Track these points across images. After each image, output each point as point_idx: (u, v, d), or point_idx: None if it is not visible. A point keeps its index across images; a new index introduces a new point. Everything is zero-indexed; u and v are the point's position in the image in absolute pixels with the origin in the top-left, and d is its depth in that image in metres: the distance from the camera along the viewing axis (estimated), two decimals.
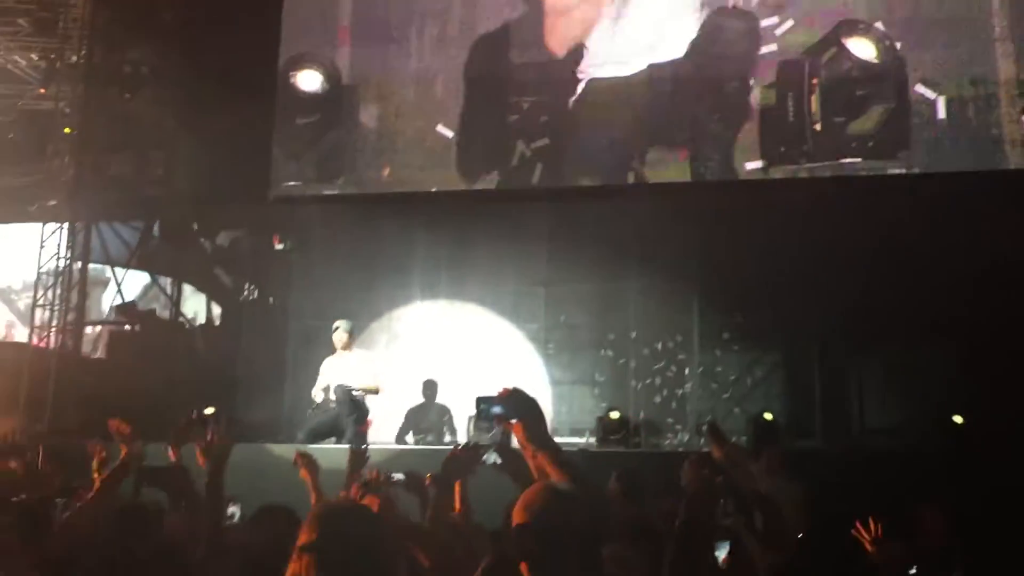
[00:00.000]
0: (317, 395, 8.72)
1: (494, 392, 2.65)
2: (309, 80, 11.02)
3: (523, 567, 2.22)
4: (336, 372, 8.69)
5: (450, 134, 10.47)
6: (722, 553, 3.67)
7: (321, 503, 3.08)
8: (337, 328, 8.80)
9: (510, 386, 2.65)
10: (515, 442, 2.71)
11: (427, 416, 9.42)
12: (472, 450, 3.58)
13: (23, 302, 15.06)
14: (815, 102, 9.61)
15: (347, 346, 8.83)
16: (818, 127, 9.60)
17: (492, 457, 3.46)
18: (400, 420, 9.31)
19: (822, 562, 4.23)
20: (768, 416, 9.16)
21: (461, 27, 10.74)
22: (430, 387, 9.50)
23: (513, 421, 2.58)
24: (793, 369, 9.99)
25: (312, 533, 2.21)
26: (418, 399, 9.52)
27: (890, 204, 9.05)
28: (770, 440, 8.78)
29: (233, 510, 4.33)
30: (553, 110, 10.34)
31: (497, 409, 2.57)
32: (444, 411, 9.42)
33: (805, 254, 9.37)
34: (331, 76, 10.93)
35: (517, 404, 2.57)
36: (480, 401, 2.61)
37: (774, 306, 9.66)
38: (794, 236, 9.39)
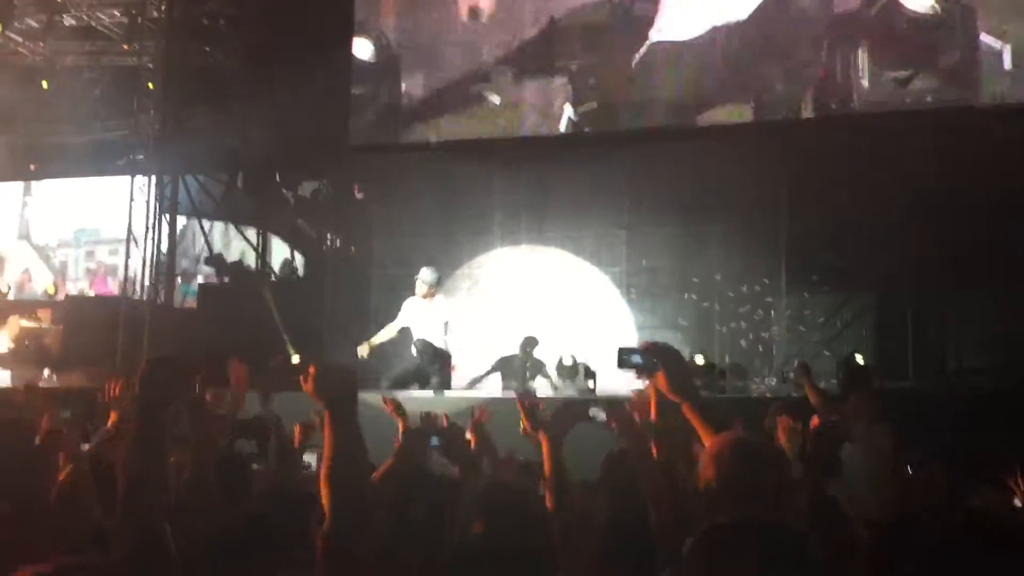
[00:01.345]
0: (386, 335, 8.73)
1: (634, 343, 2.66)
2: (361, 48, 10.98)
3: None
4: (417, 319, 8.73)
5: (497, 100, 10.35)
6: None
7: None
8: (419, 278, 8.81)
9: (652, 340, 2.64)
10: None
11: (514, 364, 9.44)
12: (579, 405, 3.54)
13: (58, 258, 15.51)
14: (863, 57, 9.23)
15: (428, 295, 8.84)
16: (865, 82, 9.23)
17: (600, 415, 3.40)
18: (480, 368, 9.36)
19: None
20: (859, 358, 8.95)
21: None
22: (528, 342, 9.49)
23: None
24: (885, 310, 9.73)
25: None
26: (502, 345, 9.54)
27: (980, 142, 8.67)
28: (861, 382, 8.59)
29: (308, 459, 4.37)
30: (603, 72, 10.10)
31: (638, 359, 2.54)
32: (531, 359, 9.44)
33: (895, 193, 9.05)
34: (381, 45, 10.88)
35: (659, 355, 2.53)
36: (621, 352, 2.57)
37: (864, 246, 9.37)
38: (884, 175, 9.06)
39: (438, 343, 8.63)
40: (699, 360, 9.20)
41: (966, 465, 4.07)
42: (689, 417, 2.53)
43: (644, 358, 2.55)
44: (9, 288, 15.48)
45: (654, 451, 3.00)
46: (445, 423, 4.01)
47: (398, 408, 4.43)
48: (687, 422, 2.55)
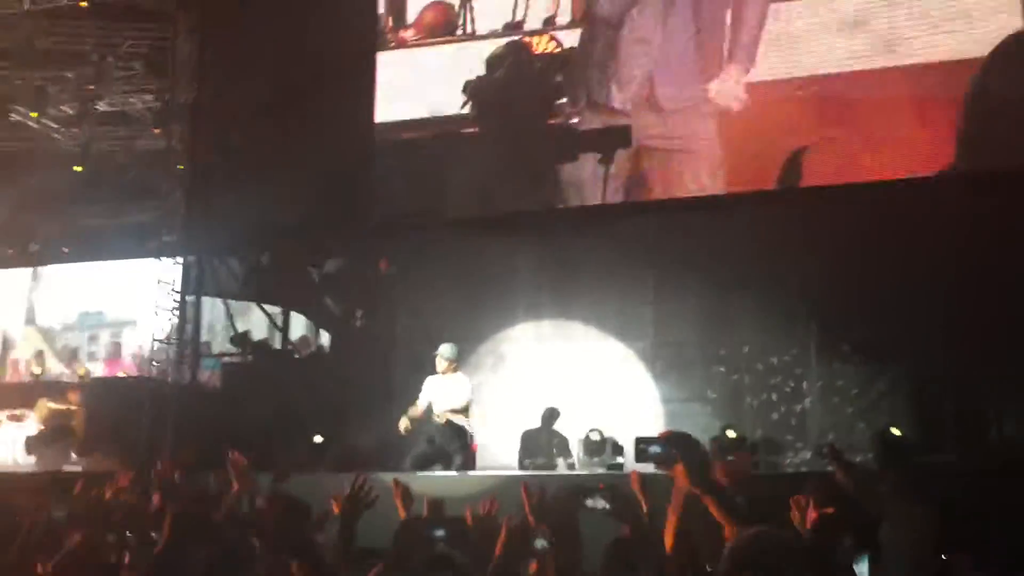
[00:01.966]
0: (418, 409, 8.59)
1: (654, 432, 2.56)
2: None
3: None
4: (436, 396, 8.62)
5: None
6: None
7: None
8: (438, 353, 8.73)
9: (670, 429, 2.53)
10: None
11: (538, 440, 9.28)
12: (579, 495, 3.38)
13: (61, 342, 15.71)
14: None
15: (448, 370, 8.74)
16: None
17: (599, 503, 3.25)
18: (506, 444, 9.19)
19: None
20: (895, 431, 8.64)
21: None
22: (551, 415, 9.33)
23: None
24: (921, 380, 9.42)
25: None
26: (526, 421, 9.38)
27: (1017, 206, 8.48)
28: (898, 456, 8.29)
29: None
30: None
31: (656, 449, 2.43)
32: (556, 435, 9.27)
33: (928, 259, 8.85)
34: None
35: (677, 445, 2.43)
36: (639, 441, 2.50)
37: (898, 314, 9.12)
38: (916, 241, 8.89)
39: (460, 422, 8.51)
40: (730, 434, 8.97)
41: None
42: (710, 509, 2.43)
43: (662, 449, 2.46)
44: (42, 371, 15.61)
45: (669, 538, 2.85)
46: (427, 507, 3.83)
47: (404, 495, 4.27)
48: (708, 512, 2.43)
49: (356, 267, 12.32)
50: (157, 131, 13.58)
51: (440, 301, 10.57)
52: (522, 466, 8.98)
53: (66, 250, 16.20)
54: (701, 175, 9.90)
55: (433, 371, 8.82)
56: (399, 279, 11.77)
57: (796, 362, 9.76)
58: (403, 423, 8.55)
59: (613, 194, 10.16)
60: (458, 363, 8.85)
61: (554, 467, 9.08)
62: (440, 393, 8.62)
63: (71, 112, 13.78)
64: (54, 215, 15.72)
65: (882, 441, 8.50)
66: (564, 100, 10.52)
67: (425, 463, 8.45)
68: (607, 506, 3.14)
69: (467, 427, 8.53)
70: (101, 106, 13.87)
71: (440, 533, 3.43)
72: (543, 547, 2.94)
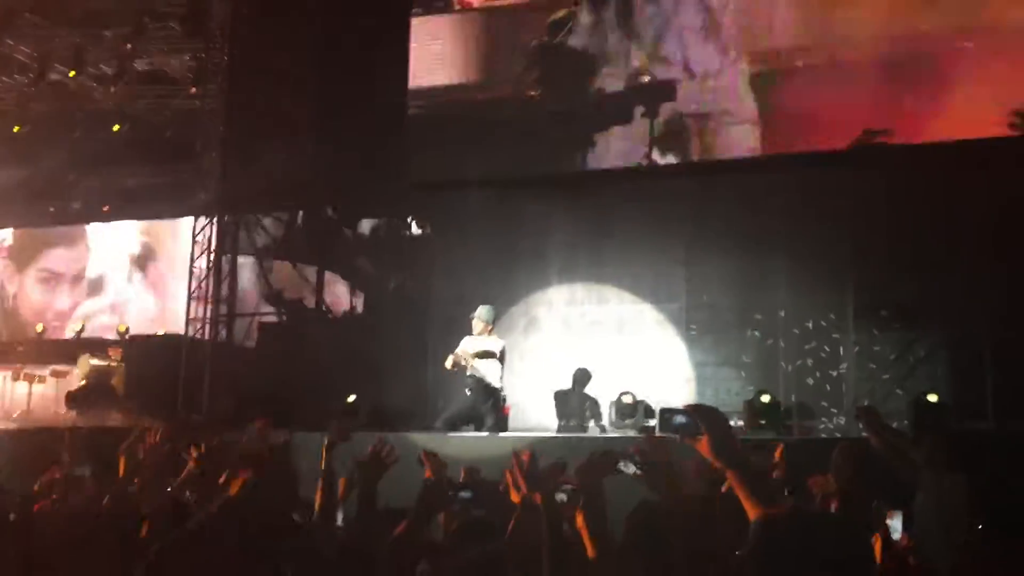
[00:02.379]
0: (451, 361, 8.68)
1: (678, 403, 2.52)
2: None
3: None
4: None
5: None
6: None
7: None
8: (475, 315, 8.73)
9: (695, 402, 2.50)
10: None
11: (570, 401, 9.27)
12: (608, 456, 3.32)
13: None
14: None
15: (484, 331, 8.74)
16: None
17: (630, 468, 3.19)
18: (538, 406, 9.19)
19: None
20: (932, 397, 8.50)
21: None
22: (583, 376, 9.32)
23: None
24: (960, 346, 9.24)
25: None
26: (558, 384, 9.37)
27: None
28: (936, 423, 8.17)
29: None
30: None
31: (681, 420, 2.40)
32: (587, 398, 9.26)
33: (966, 223, 8.66)
34: None
35: (702, 417, 2.39)
36: (664, 412, 2.46)
37: (936, 279, 8.95)
38: (955, 205, 8.70)
39: (493, 382, 8.52)
40: (764, 399, 8.88)
41: None
42: (734, 486, 2.38)
43: (687, 420, 2.42)
44: (83, 326, 15.88)
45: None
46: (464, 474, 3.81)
47: (435, 464, 4.24)
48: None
49: (390, 228, 12.32)
50: (193, 90, 13.60)
51: (474, 263, 10.54)
52: (560, 427, 9.01)
53: (106, 209, 16.40)
54: (740, 136, 9.79)
55: (467, 332, 8.83)
56: (433, 240, 11.76)
57: (833, 327, 9.62)
58: (448, 361, 8.58)
59: (657, 155, 10.11)
60: (493, 326, 8.85)
61: (585, 430, 9.09)
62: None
63: (109, 71, 13.83)
64: (94, 174, 15.90)
65: (919, 407, 8.41)
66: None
67: (457, 423, 8.49)
68: (638, 471, 3.08)
69: (499, 389, 8.54)
70: (139, 65, 13.91)
71: (466, 494, 3.41)
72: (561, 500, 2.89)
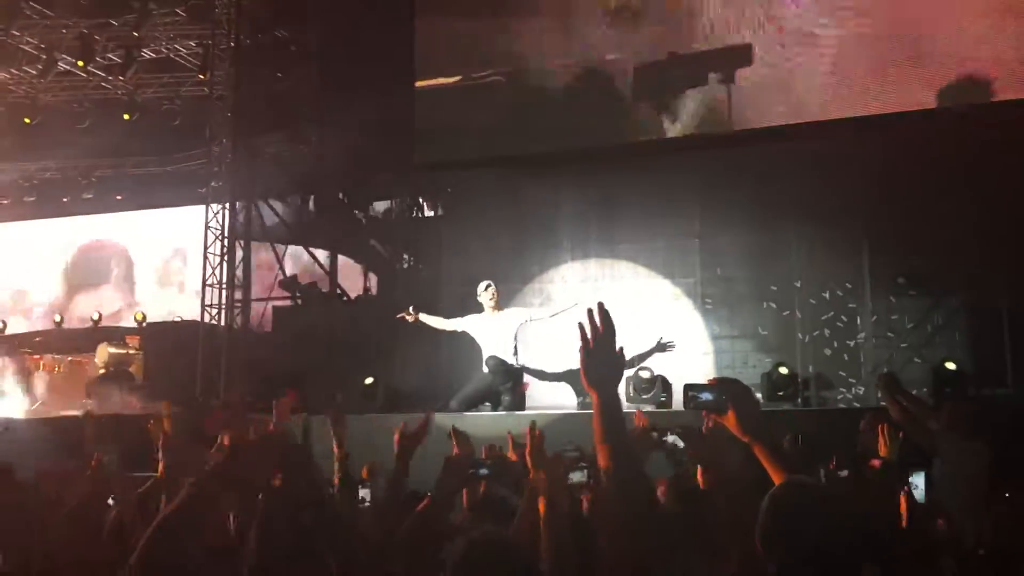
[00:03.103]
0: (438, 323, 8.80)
1: (702, 379, 2.54)
2: None
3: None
4: (486, 335, 8.61)
5: None
6: None
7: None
8: (488, 286, 8.71)
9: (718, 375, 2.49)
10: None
11: None
12: (652, 432, 3.30)
13: None
14: None
15: (498, 304, 8.73)
16: None
17: (678, 441, 3.19)
18: (554, 384, 9.19)
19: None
20: (951, 365, 8.45)
21: None
22: None
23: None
24: (978, 313, 9.17)
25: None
26: (574, 361, 9.34)
27: None
28: (955, 390, 8.13)
29: (363, 494, 4.20)
30: None
31: (707, 396, 2.41)
32: None
33: (984, 189, 8.57)
34: None
35: (727, 392, 2.40)
36: (688, 388, 2.48)
37: (953, 246, 8.86)
38: (972, 169, 8.59)
39: (510, 360, 8.51)
40: (782, 371, 8.85)
41: None
42: (760, 458, 2.39)
43: (713, 395, 2.42)
44: (100, 315, 15.99)
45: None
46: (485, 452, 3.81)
47: (461, 441, 4.22)
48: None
49: (402, 209, 12.31)
50: (202, 77, 13.59)
51: (486, 241, 10.51)
52: (579, 404, 9.01)
53: (119, 197, 16.47)
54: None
55: (479, 311, 8.84)
56: (445, 220, 11.74)
57: (849, 296, 9.55)
58: (410, 315, 8.80)
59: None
60: (499, 300, 8.81)
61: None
62: (489, 332, 8.63)
63: (117, 60, 13.83)
64: (105, 163, 15.96)
65: (937, 375, 8.37)
66: None
67: (474, 402, 8.49)
68: (680, 444, 3.07)
69: (517, 366, 8.54)
70: (147, 52, 13.91)
71: (484, 471, 3.42)
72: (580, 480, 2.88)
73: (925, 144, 8.88)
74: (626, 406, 8.97)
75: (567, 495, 3.03)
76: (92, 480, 3.64)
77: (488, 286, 8.71)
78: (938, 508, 4.21)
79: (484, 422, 7.81)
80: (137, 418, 7.75)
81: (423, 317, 8.92)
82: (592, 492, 2.72)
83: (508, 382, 8.45)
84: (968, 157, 8.68)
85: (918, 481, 3.69)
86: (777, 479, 2.32)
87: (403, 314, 8.93)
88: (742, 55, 9.74)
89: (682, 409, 2.51)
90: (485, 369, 8.51)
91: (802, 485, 2.21)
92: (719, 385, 2.45)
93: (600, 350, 2.32)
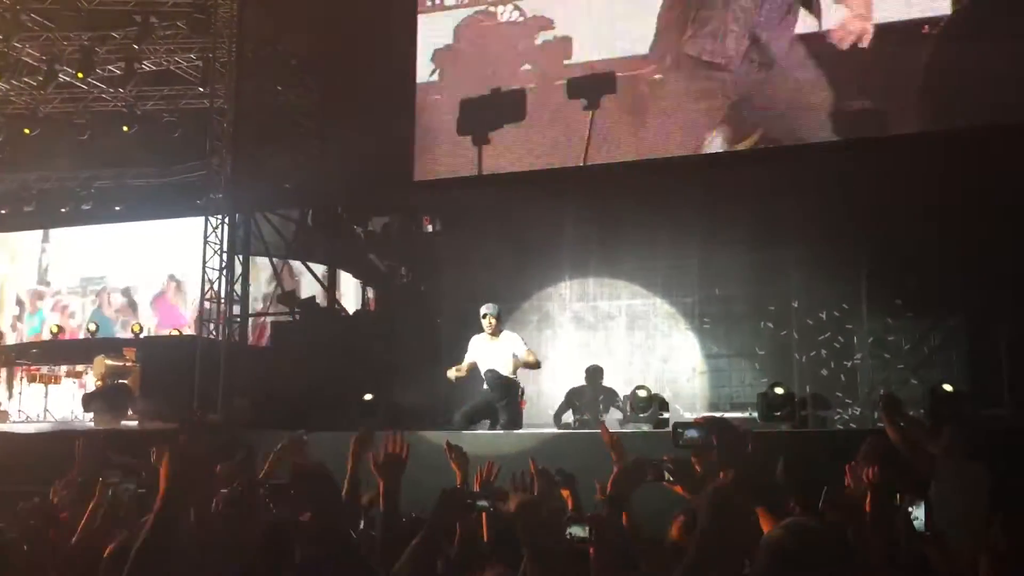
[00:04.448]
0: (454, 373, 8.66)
1: (690, 417, 2.57)
2: None
3: None
4: (485, 355, 8.61)
5: None
6: None
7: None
8: (485, 314, 8.70)
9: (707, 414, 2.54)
10: None
11: (584, 397, 9.25)
12: (641, 466, 3.29)
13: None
14: None
15: (495, 330, 8.72)
16: None
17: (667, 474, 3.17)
18: (553, 401, 9.17)
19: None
20: (948, 387, 8.48)
21: None
22: (595, 372, 9.31)
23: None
24: (975, 334, 9.21)
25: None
26: (572, 379, 9.36)
27: None
28: (952, 412, 8.14)
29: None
30: None
31: (693, 434, 2.44)
32: (603, 390, 9.24)
33: (980, 211, 8.62)
34: None
35: (715, 431, 2.44)
36: (676, 426, 2.51)
37: (949, 268, 8.91)
38: (968, 194, 8.64)
39: (509, 378, 8.50)
40: (778, 391, 8.86)
41: None
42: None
43: (700, 434, 2.46)
44: (97, 327, 15.94)
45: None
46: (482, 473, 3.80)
47: (459, 457, 4.16)
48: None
49: (401, 225, 12.32)
50: (202, 89, 13.61)
51: (485, 258, 10.52)
52: (556, 420, 8.98)
53: (118, 208, 16.46)
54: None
55: (478, 329, 8.82)
56: (444, 236, 11.75)
57: (846, 317, 9.60)
58: (451, 372, 8.58)
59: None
60: (501, 322, 8.80)
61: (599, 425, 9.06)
62: (487, 353, 8.62)
63: (118, 72, 13.86)
64: (104, 175, 15.97)
65: (934, 397, 8.38)
66: None
67: (474, 419, 8.48)
68: (670, 478, 3.04)
69: (515, 385, 8.52)
70: (147, 65, 13.94)
71: (484, 503, 3.32)
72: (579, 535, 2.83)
73: (923, 166, 8.93)
74: (623, 427, 8.99)
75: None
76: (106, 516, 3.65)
77: (486, 315, 8.68)
78: (937, 535, 4.21)
79: (481, 440, 7.80)
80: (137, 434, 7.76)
81: (450, 373, 8.75)
82: (594, 547, 2.66)
83: (504, 399, 8.44)
84: (967, 180, 8.72)
85: (918, 513, 3.69)
86: (764, 520, 2.33)
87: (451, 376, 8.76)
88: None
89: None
90: (485, 385, 8.52)
91: (798, 531, 2.19)
92: (707, 424, 2.49)
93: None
